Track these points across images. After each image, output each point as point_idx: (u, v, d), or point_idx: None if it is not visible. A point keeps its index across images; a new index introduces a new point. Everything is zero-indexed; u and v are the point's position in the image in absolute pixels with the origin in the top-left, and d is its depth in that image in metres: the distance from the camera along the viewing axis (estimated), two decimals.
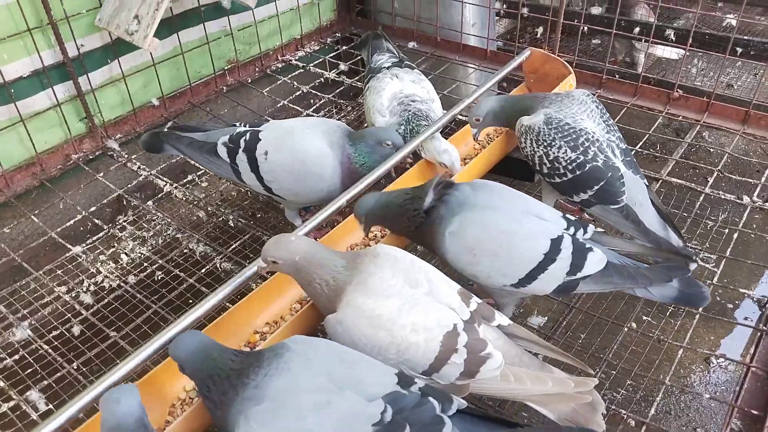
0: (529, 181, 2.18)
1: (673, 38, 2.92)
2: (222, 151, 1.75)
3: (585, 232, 1.40)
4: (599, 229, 1.44)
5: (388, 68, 2.11)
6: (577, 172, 1.60)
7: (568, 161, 1.61)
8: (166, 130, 1.91)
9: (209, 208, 2.09)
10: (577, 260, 1.35)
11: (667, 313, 1.76)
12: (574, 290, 1.39)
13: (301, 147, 1.69)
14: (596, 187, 1.60)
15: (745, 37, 2.89)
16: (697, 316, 1.64)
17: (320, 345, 1.12)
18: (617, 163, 1.62)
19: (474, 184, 1.46)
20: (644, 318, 1.77)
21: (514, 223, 1.37)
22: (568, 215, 1.43)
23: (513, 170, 2.17)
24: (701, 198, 1.99)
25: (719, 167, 2.09)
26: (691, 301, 1.41)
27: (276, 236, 1.30)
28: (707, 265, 1.75)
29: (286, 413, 1.00)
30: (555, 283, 1.36)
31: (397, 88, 2.00)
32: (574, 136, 1.62)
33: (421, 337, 1.17)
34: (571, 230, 1.39)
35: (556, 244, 1.34)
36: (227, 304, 1.40)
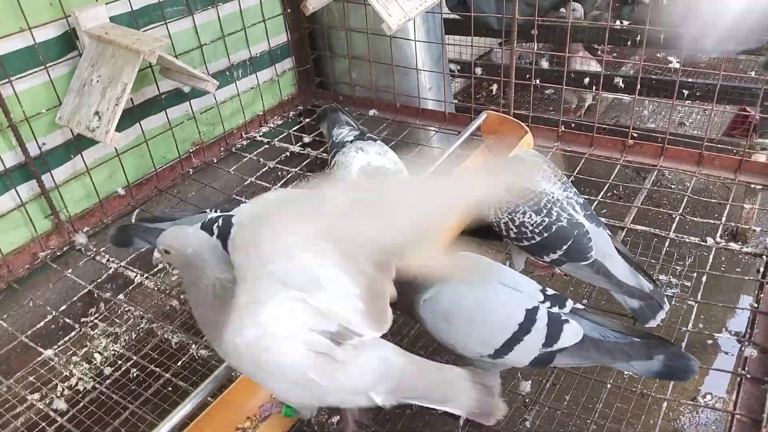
0: (498, 241, 2.20)
1: (622, 86, 3.05)
2: None
3: (563, 306, 1.41)
4: (578, 305, 1.45)
5: (351, 142, 2.14)
6: (545, 234, 1.63)
7: (534, 225, 1.64)
8: (133, 222, 1.90)
9: (182, 296, 2.07)
10: (553, 331, 1.36)
11: None
12: (551, 363, 1.39)
13: None
14: (565, 247, 1.63)
15: (690, 80, 3.03)
16: None
17: None
18: (581, 219, 1.66)
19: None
20: (625, 373, 1.78)
21: (489, 291, 1.39)
22: (547, 290, 1.44)
23: (483, 232, 2.19)
24: (667, 243, 2.03)
25: (680, 211, 2.15)
26: (676, 374, 1.40)
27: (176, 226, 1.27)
28: (683, 304, 1.79)
29: None
30: (531, 355, 1.37)
31: (364, 161, 2.03)
32: (536, 199, 1.65)
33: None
34: (548, 304, 1.40)
35: (531, 314, 1.36)
36: (208, 398, 1.38)
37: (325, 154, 2.57)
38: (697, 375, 1.38)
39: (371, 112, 2.96)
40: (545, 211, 1.64)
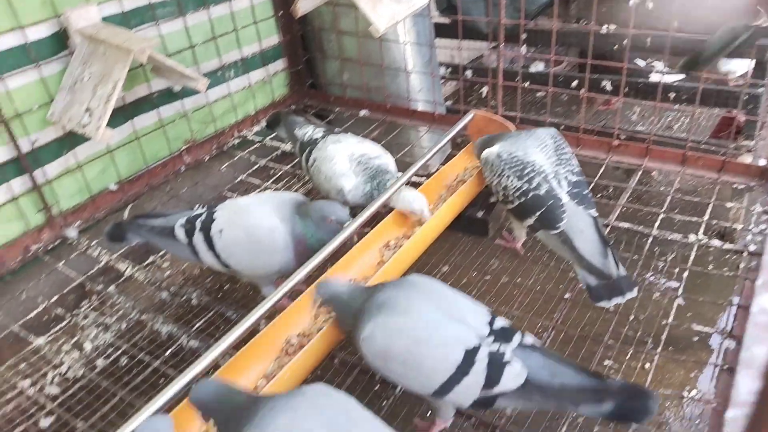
0: (483, 236, 2.25)
1: (609, 88, 3.09)
2: (180, 232, 1.80)
3: (509, 340, 1.35)
4: (528, 339, 1.39)
5: (322, 137, 2.18)
6: (522, 199, 1.83)
7: (515, 189, 1.83)
8: (125, 218, 1.94)
9: (172, 288, 2.10)
10: (493, 374, 1.30)
11: (628, 356, 1.80)
12: (492, 406, 1.35)
13: (253, 223, 1.75)
14: (538, 213, 1.80)
15: (675, 83, 3.08)
16: (657, 357, 1.69)
17: (336, 399, 1.17)
18: (560, 193, 1.81)
19: (401, 283, 1.45)
20: (605, 363, 1.81)
21: (428, 330, 1.33)
22: (496, 320, 1.39)
23: (469, 228, 2.24)
24: (650, 240, 2.07)
25: (664, 209, 2.18)
26: (631, 416, 1.32)
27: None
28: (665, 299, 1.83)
29: None
30: (471, 397, 1.33)
31: (348, 151, 2.08)
32: (521, 167, 1.84)
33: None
34: (491, 339, 1.34)
35: (470, 355, 1.31)
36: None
37: None
38: (653, 416, 1.30)
39: (362, 113, 3.00)
40: (526, 178, 1.82)
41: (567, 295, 1.95)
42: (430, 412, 1.61)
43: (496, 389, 1.30)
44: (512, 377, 1.30)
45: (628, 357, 1.80)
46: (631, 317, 1.87)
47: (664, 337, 1.74)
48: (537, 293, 2.03)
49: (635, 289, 1.73)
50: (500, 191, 1.88)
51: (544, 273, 2.13)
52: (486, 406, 1.36)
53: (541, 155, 1.87)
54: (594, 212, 1.83)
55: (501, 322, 1.39)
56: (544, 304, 2.00)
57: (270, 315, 1.68)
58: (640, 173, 2.49)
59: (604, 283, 1.72)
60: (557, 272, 2.12)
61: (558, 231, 1.77)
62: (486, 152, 1.96)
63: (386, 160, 2.08)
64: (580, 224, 1.78)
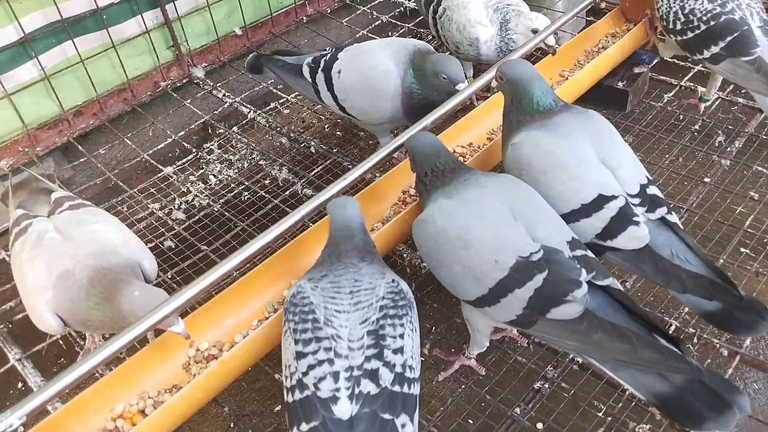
0: (621, 110, 2.08)
1: None
2: (305, 71, 1.79)
3: (653, 210, 1.25)
4: (672, 217, 1.28)
5: None
6: (711, 23, 1.65)
7: (704, 12, 1.66)
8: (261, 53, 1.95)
9: (291, 135, 2.11)
10: (613, 228, 1.22)
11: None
12: (601, 256, 1.26)
13: (368, 65, 1.69)
14: (729, 38, 1.63)
15: None
16: None
17: (521, 186, 1.25)
18: (753, 25, 1.64)
19: (583, 112, 1.37)
20: (742, 250, 1.67)
21: (572, 162, 1.26)
22: (650, 187, 1.28)
23: (606, 99, 2.08)
24: None
25: None
26: (733, 325, 1.20)
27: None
28: None
29: (461, 213, 1.19)
30: (583, 239, 1.25)
31: None
32: None
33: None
34: (636, 201, 1.25)
35: (601, 200, 1.23)
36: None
37: None
38: (758, 334, 1.19)
39: None
40: (719, 1, 1.65)
41: (706, 179, 1.79)
42: None
43: (609, 243, 1.24)
44: (631, 238, 1.23)
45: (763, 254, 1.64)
46: None
47: None
48: (674, 174, 1.87)
49: None
50: (682, 18, 1.69)
51: (684, 154, 1.96)
52: (595, 254, 1.26)
53: None
54: None
55: (655, 191, 1.29)
56: (679, 186, 1.85)
57: (384, 168, 1.67)
58: None
59: None
60: (698, 154, 1.94)
61: (752, 57, 1.60)
62: None
63: (525, 9, 1.89)
64: None
